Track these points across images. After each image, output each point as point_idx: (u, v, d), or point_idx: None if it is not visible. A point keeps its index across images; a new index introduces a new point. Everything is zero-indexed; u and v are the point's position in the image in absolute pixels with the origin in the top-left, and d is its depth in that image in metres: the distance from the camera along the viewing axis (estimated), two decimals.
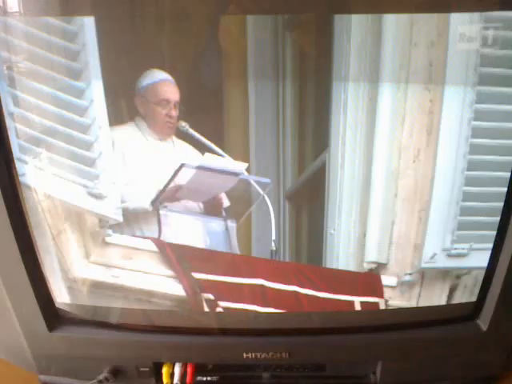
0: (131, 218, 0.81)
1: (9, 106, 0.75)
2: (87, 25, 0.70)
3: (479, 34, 0.71)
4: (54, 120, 0.76)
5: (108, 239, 0.82)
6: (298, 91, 0.76)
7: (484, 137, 0.77)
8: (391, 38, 0.72)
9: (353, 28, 0.71)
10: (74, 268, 0.85)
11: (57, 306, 0.88)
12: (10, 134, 0.77)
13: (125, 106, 0.76)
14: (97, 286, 0.85)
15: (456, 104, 0.75)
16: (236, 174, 0.79)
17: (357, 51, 0.72)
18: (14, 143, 0.77)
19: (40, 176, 0.79)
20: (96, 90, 0.74)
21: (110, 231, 0.82)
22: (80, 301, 0.87)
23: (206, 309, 0.86)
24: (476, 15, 0.70)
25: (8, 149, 0.77)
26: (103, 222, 0.81)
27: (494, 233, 0.82)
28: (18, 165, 0.78)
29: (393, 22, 0.71)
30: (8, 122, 0.76)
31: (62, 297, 0.87)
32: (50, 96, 0.74)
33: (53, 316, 0.87)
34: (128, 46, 0.73)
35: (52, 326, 0.87)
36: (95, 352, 0.90)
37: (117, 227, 0.81)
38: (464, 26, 0.70)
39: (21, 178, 0.79)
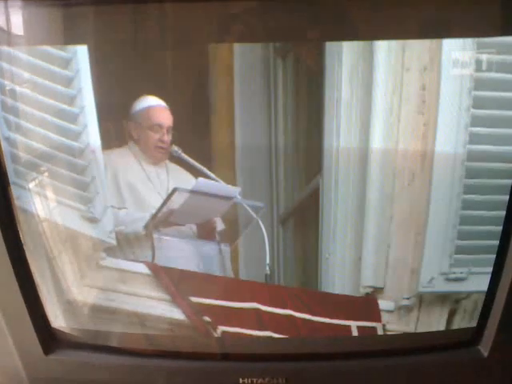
0: (125, 242, 0.81)
1: (4, 131, 0.76)
2: (80, 52, 0.71)
3: (473, 59, 0.71)
4: (48, 144, 0.76)
5: (102, 262, 0.82)
6: (290, 115, 0.76)
7: (480, 160, 0.76)
8: (383, 63, 0.72)
9: (344, 53, 0.72)
10: (69, 291, 0.84)
11: (52, 329, 0.87)
12: (5, 157, 0.77)
13: (118, 130, 0.77)
14: (92, 309, 0.85)
15: (450, 127, 0.75)
16: (229, 198, 0.79)
17: (348, 76, 0.73)
18: (10, 167, 0.77)
19: (34, 199, 0.79)
20: (89, 115, 0.74)
21: (103, 254, 0.81)
22: (76, 324, 0.87)
23: (202, 333, 0.85)
24: (469, 40, 0.70)
25: (3, 172, 0.78)
26: (97, 245, 0.81)
27: (493, 256, 0.80)
28: (13, 188, 0.78)
29: (384, 47, 0.71)
30: (3, 146, 0.76)
31: (57, 320, 0.86)
32: (44, 121, 0.75)
33: (49, 339, 0.87)
34: (121, 72, 0.74)
35: (48, 350, 0.86)
36: (92, 376, 0.89)
37: (111, 250, 0.81)
38: (457, 51, 0.70)
39: (16, 202, 0.79)
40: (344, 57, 0.72)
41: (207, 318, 0.84)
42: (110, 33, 0.71)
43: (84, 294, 0.84)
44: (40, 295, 0.84)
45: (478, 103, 0.73)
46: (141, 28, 0.72)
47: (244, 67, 0.73)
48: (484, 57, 0.70)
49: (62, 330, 0.87)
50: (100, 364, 0.87)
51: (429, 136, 0.75)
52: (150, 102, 0.75)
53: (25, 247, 0.81)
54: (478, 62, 0.70)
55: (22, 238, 0.81)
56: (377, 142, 0.75)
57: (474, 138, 0.75)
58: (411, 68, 0.71)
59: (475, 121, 0.74)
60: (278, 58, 0.73)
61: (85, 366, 0.87)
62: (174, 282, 0.83)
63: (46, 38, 0.71)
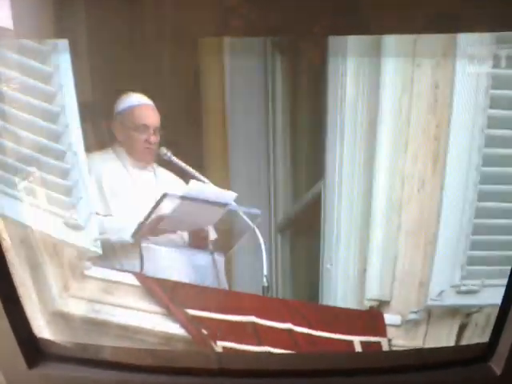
0: (111, 251, 0.78)
1: None
2: (60, 46, 0.68)
3: (490, 55, 0.67)
4: (27, 146, 0.73)
5: (87, 272, 0.79)
6: (290, 115, 0.72)
7: (497, 165, 0.73)
8: (392, 58, 0.69)
9: (349, 48, 0.69)
10: (53, 302, 0.81)
11: (37, 341, 0.84)
12: None
13: (102, 131, 0.75)
14: (77, 321, 0.82)
15: (465, 129, 0.72)
16: (224, 205, 0.75)
17: (354, 72, 0.70)
18: None
19: (15, 205, 0.76)
20: (70, 114, 0.71)
21: (88, 264, 0.78)
22: (60, 336, 0.83)
23: (200, 345, 0.81)
24: (486, 34, 0.66)
25: None
26: (81, 254, 0.78)
27: (508, 267, 0.76)
28: None
29: (393, 41, 0.68)
30: None
31: (41, 332, 0.83)
32: (22, 121, 0.71)
33: (33, 352, 0.84)
34: (104, 68, 0.71)
35: (32, 363, 0.84)
36: None
37: (96, 260, 0.78)
38: (473, 45, 0.67)
39: None
40: (349, 51, 0.69)
41: (204, 331, 0.80)
42: (94, 25, 0.67)
43: (69, 305, 0.81)
44: (23, 305, 0.81)
45: (495, 103, 0.70)
46: (128, 20, 0.68)
47: (239, 62, 0.69)
48: (503, 52, 0.67)
49: (46, 342, 0.84)
50: (87, 379, 0.83)
51: (441, 138, 0.72)
52: (135, 100, 0.73)
53: (5, 255, 0.77)
54: (497, 58, 0.67)
55: (2, 246, 0.77)
56: (384, 144, 0.73)
57: (490, 141, 0.72)
58: (423, 63, 0.68)
59: (492, 122, 0.71)
60: (277, 53, 0.69)
61: (71, 381, 0.83)
62: (165, 293, 0.79)
63: (24, 32, 0.67)
